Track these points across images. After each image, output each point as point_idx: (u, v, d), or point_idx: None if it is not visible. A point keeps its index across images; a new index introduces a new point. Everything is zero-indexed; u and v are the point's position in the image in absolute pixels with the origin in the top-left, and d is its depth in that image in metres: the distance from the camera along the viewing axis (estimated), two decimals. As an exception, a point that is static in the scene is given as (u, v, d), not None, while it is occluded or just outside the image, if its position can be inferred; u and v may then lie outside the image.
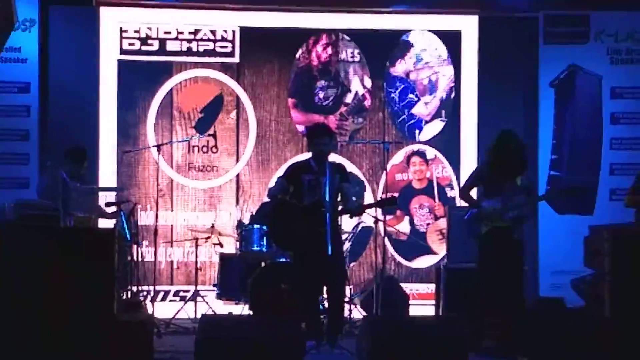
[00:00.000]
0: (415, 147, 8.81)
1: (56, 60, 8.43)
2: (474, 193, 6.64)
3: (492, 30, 8.78)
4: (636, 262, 4.74)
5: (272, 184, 8.30)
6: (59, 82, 8.42)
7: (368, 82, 8.81)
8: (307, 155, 6.67)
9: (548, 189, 8.23)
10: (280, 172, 7.87)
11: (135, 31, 8.64)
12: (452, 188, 8.75)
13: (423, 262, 8.68)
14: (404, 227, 8.67)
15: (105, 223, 7.48)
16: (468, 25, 8.84)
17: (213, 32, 8.71)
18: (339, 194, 6.47)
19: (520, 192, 6.23)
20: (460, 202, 8.27)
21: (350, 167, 8.52)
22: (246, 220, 7.89)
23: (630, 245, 4.81)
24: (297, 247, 6.49)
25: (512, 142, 6.24)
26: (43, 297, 4.79)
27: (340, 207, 6.56)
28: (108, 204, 7.40)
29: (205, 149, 8.66)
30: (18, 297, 4.79)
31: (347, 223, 7.78)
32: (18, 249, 4.88)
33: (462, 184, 6.62)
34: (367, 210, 6.95)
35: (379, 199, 6.85)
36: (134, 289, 7.33)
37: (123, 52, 8.61)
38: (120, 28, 8.62)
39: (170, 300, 8.35)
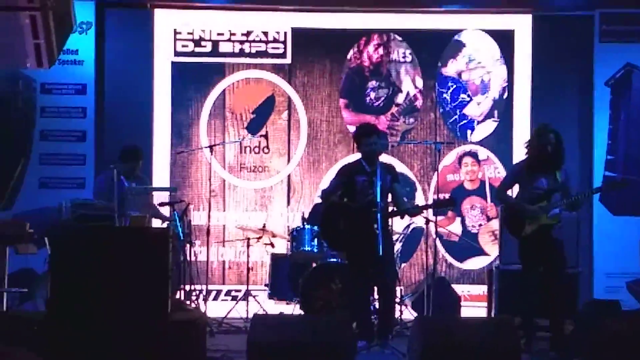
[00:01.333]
0: (467, 147, 8.75)
1: (112, 62, 8.58)
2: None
3: (546, 29, 8.67)
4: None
5: (323, 184, 8.34)
6: (115, 83, 8.57)
7: (419, 82, 8.78)
8: (357, 155, 6.68)
9: (602, 189, 8.10)
10: (332, 172, 7.87)
11: (189, 33, 8.75)
12: (504, 189, 8.65)
13: (475, 263, 8.62)
14: (456, 228, 8.62)
15: (159, 223, 7.58)
16: (521, 25, 8.74)
17: (265, 34, 8.77)
18: (390, 195, 6.47)
19: (560, 187, 6.15)
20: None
21: (402, 168, 8.50)
22: (298, 222, 7.91)
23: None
24: (349, 247, 6.51)
25: (550, 135, 6.15)
26: (98, 296, 4.87)
27: (392, 208, 6.56)
28: (162, 204, 7.51)
29: (257, 150, 8.73)
30: (73, 296, 4.87)
31: (398, 224, 7.75)
32: (74, 249, 4.97)
33: (498, 185, 6.52)
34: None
35: (434, 199, 6.80)
36: (187, 288, 7.41)
37: (177, 54, 8.73)
38: (174, 30, 8.73)
39: (222, 300, 8.43)
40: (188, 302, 7.32)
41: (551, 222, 6.15)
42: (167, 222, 7.40)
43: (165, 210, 7.58)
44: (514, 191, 6.47)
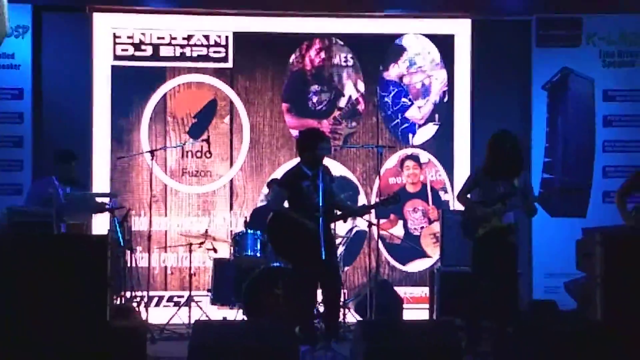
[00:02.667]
0: (408, 151, 8.82)
1: (49, 66, 8.44)
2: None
3: (485, 34, 8.79)
4: (628, 264, 4.75)
5: (265, 189, 8.31)
6: (53, 88, 8.43)
7: (361, 87, 8.83)
8: (295, 161, 6.67)
9: (541, 192, 8.24)
10: (274, 177, 7.86)
11: (129, 37, 8.65)
12: (445, 191, 8.77)
13: (417, 265, 8.69)
14: (398, 230, 8.68)
15: (98, 229, 7.47)
16: (461, 29, 8.85)
17: (206, 37, 8.72)
18: (332, 197, 6.49)
19: (516, 193, 6.21)
20: (454, 206, 8.30)
21: (344, 172, 8.54)
22: (240, 227, 7.88)
23: (622, 248, 4.82)
24: (293, 251, 6.51)
25: (508, 142, 6.21)
26: (35, 303, 4.79)
27: (338, 211, 6.59)
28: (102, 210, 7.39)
29: (199, 154, 8.67)
30: (10, 303, 4.78)
31: (340, 227, 7.79)
32: (10, 256, 4.88)
33: (459, 188, 6.58)
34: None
35: (380, 198, 6.82)
36: (128, 294, 7.32)
37: (116, 57, 8.62)
38: (114, 34, 8.62)
39: (164, 306, 8.35)
40: (129, 309, 7.23)
41: (503, 225, 6.21)
42: (107, 229, 7.29)
43: (105, 217, 7.47)
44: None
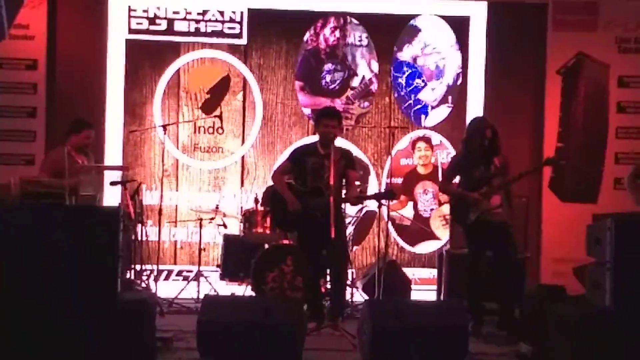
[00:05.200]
0: (420, 132, 8.81)
1: (64, 38, 8.44)
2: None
3: (501, 17, 8.74)
4: (638, 251, 4.74)
5: (277, 166, 8.32)
6: (67, 59, 8.43)
7: (375, 67, 8.80)
8: (312, 138, 6.68)
9: (552, 176, 8.25)
10: (286, 154, 7.87)
11: (144, 10, 8.64)
12: (456, 174, 8.75)
13: (426, 247, 8.70)
14: (408, 212, 8.69)
15: (109, 202, 7.51)
16: (477, 11, 8.81)
17: (221, 13, 8.70)
18: (344, 179, 6.50)
19: (497, 175, 6.30)
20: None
21: (356, 151, 8.53)
22: (251, 204, 7.90)
23: (633, 233, 4.80)
24: (299, 230, 6.54)
25: (485, 128, 6.34)
26: (46, 274, 4.81)
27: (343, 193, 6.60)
28: (113, 183, 7.42)
29: (211, 130, 8.68)
30: (21, 274, 4.81)
31: (350, 207, 7.80)
32: (23, 227, 4.90)
33: (441, 177, 6.71)
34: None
35: (378, 191, 6.87)
36: (138, 268, 7.36)
37: (131, 31, 8.62)
38: (129, 7, 8.62)
39: (174, 280, 8.40)
40: (138, 282, 7.29)
41: (492, 208, 6.28)
42: (119, 201, 7.33)
43: (117, 190, 7.50)
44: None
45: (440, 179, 8.10)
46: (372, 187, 8.56)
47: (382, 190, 6.88)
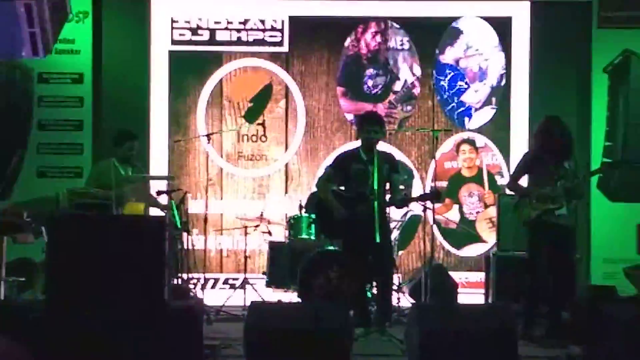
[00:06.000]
0: (464, 134, 8.75)
1: (109, 51, 8.57)
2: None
3: (544, 16, 8.64)
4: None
5: (320, 172, 8.33)
6: (112, 72, 8.56)
7: (417, 70, 8.76)
8: (355, 144, 6.68)
9: (601, 176, 8.10)
10: (329, 161, 7.87)
11: (186, 21, 8.73)
12: (502, 176, 8.67)
13: (472, 250, 8.63)
14: (453, 215, 8.62)
15: (156, 212, 7.58)
16: (519, 11, 8.72)
17: (262, 22, 8.75)
18: (388, 184, 6.48)
19: (567, 176, 6.19)
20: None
21: (399, 156, 8.49)
22: (295, 210, 7.92)
23: (684, 233, 4.71)
24: (344, 235, 6.53)
25: (557, 128, 6.22)
26: (95, 284, 4.88)
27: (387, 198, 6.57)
28: (159, 193, 7.49)
29: (254, 138, 8.72)
30: (70, 285, 4.87)
31: (395, 211, 7.75)
32: (72, 238, 4.97)
33: (510, 174, 6.59)
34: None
35: (423, 192, 6.83)
36: (185, 276, 7.41)
37: (174, 42, 8.71)
38: (171, 19, 8.72)
39: (220, 288, 8.45)
40: (186, 290, 7.33)
41: (555, 207, 6.19)
42: (165, 211, 7.39)
43: (163, 199, 7.57)
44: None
45: (508, 178, 7.96)
46: (417, 191, 8.51)
47: (427, 192, 6.81)
